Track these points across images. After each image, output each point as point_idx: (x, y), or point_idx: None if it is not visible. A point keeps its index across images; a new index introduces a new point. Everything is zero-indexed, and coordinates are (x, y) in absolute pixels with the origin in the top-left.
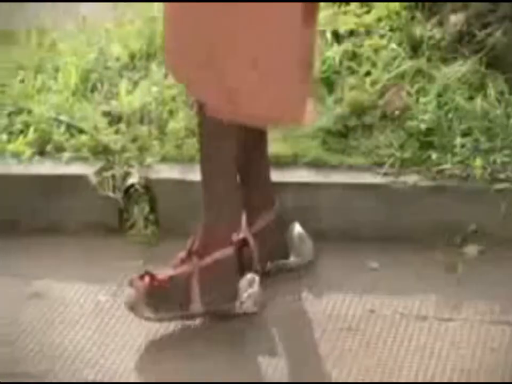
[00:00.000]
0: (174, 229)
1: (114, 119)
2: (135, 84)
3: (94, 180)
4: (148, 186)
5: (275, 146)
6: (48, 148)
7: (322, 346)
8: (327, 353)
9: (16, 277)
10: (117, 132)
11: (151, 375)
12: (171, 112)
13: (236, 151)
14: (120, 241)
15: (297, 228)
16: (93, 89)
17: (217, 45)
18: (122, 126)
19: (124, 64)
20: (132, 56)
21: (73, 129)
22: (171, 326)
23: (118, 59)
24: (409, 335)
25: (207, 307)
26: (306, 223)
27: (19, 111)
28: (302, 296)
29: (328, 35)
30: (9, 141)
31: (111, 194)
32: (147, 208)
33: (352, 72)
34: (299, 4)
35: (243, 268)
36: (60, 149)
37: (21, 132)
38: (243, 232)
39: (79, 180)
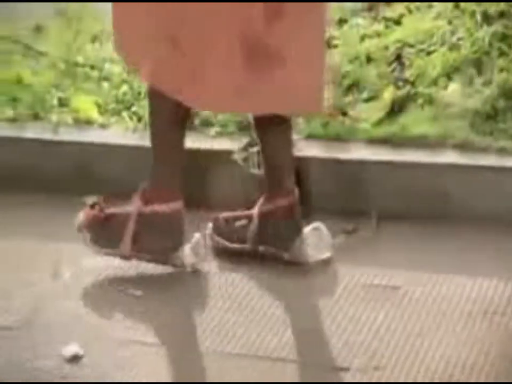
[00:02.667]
0: (317, 207)
1: None
2: None
3: (239, 155)
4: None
5: (423, 126)
6: (196, 121)
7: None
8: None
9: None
10: None
11: None
12: None
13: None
14: None
15: (316, 227)
16: None
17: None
18: None
19: None
20: None
21: None
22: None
23: None
24: None
25: (136, 252)
26: (453, 205)
27: None
28: None
29: (478, 16)
30: None
31: (255, 170)
32: None
33: (502, 53)
34: None
35: (241, 239)
36: (207, 123)
37: None
38: (254, 208)
39: (224, 154)
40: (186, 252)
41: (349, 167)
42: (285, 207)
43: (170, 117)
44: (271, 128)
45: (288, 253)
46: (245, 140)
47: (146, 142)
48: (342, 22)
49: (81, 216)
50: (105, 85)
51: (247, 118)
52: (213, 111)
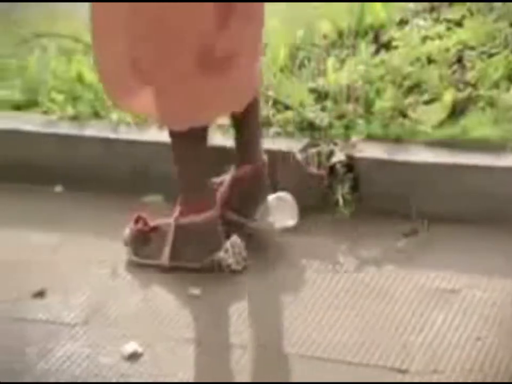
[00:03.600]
0: (375, 209)
1: (320, 96)
2: (342, 61)
3: (299, 156)
4: (352, 164)
5: (484, 129)
6: None
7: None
8: None
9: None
10: (323, 109)
11: None
12: (378, 91)
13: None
14: (322, 218)
15: (281, 195)
16: (300, 66)
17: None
18: (328, 103)
19: (332, 42)
20: (340, 34)
21: (280, 105)
22: None
23: (325, 36)
24: None
25: (175, 262)
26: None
27: None
28: None
29: None
30: None
31: (315, 171)
32: (350, 187)
33: None
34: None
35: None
36: (266, 123)
37: None
38: (226, 175)
39: (284, 155)
40: (221, 255)
41: (408, 169)
42: (253, 173)
43: (190, 138)
44: (247, 112)
45: (251, 220)
46: (304, 140)
47: None
48: (403, 23)
49: (127, 231)
50: None
51: (308, 118)
52: (180, 128)
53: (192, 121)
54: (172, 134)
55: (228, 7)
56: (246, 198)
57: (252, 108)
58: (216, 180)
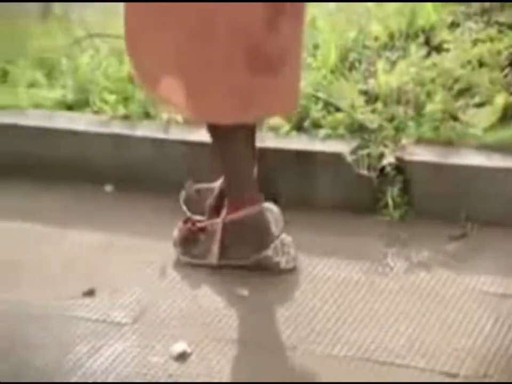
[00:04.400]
0: (425, 212)
1: (371, 98)
2: (393, 63)
3: (349, 158)
4: (402, 167)
5: None
6: (306, 123)
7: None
8: None
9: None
10: (373, 111)
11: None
12: (429, 94)
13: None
14: (372, 220)
15: (266, 205)
16: (351, 67)
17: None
18: (378, 105)
19: (383, 44)
20: (391, 36)
21: (330, 107)
22: None
23: (376, 38)
24: None
25: (224, 261)
26: None
27: None
28: None
29: None
30: None
31: (365, 173)
32: (400, 189)
33: None
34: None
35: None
36: (316, 125)
37: None
38: (216, 182)
39: (334, 157)
40: (269, 253)
41: (458, 171)
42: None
43: (237, 135)
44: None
45: None
46: (354, 142)
47: (257, 142)
48: (454, 25)
49: (176, 231)
50: None
51: (359, 120)
52: (224, 122)
53: (238, 117)
54: (216, 131)
55: (277, 6)
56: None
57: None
58: (204, 186)
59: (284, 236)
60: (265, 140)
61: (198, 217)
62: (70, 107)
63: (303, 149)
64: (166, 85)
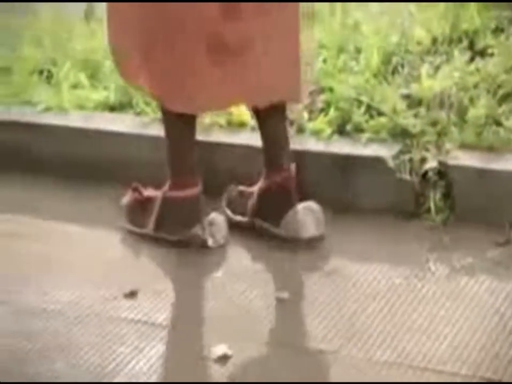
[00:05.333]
0: (468, 217)
1: (413, 102)
2: (436, 68)
3: (391, 162)
4: (445, 172)
5: None
6: (348, 127)
7: None
8: None
9: (313, 253)
10: (416, 115)
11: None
12: (472, 99)
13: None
14: (414, 225)
15: (307, 204)
16: (394, 71)
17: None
18: (421, 110)
19: (426, 48)
20: (434, 40)
21: (372, 111)
22: None
23: (420, 43)
24: None
25: (158, 233)
26: None
27: (321, 90)
28: None
29: None
30: (309, 119)
31: (408, 177)
32: (442, 194)
33: None
34: None
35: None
36: (358, 129)
37: (322, 110)
38: (257, 185)
39: (376, 161)
40: (197, 231)
41: (501, 177)
42: (279, 182)
43: (182, 122)
44: (269, 114)
45: (279, 228)
46: (397, 147)
47: (299, 146)
48: (498, 30)
49: (125, 198)
50: None
51: (401, 125)
52: (203, 112)
53: (195, 106)
54: (167, 112)
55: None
56: (273, 206)
57: (276, 111)
58: (247, 189)
59: (213, 214)
60: (307, 144)
61: (239, 218)
62: (112, 108)
63: (345, 153)
64: (140, 75)
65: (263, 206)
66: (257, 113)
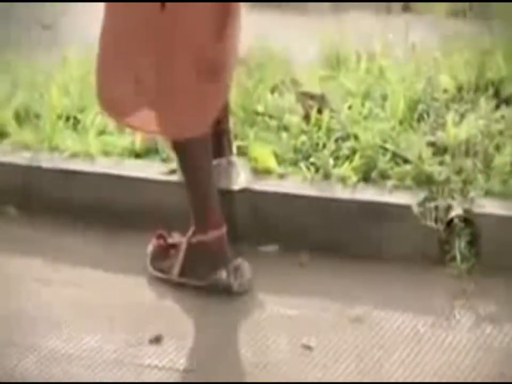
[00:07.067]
0: (493, 266)
1: (439, 150)
2: (462, 116)
3: (417, 209)
4: (471, 220)
5: None
6: (373, 174)
7: None
8: None
9: (338, 301)
10: (441, 163)
11: None
12: (497, 147)
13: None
14: (439, 273)
15: (230, 159)
16: (419, 119)
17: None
18: (447, 157)
19: (452, 96)
20: (460, 88)
21: (398, 158)
22: None
23: (445, 90)
24: None
25: (183, 279)
26: None
27: (346, 137)
28: None
29: None
30: (335, 165)
31: (433, 225)
32: (467, 242)
33: None
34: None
35: None
36: (384, 176)
37: (347, 157)
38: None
39: (402, 208)
40: (223, 275)
41: None
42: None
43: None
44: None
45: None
46: (422, 194)
47: (324, 193)
48: None
49: (149, 246)
50: (284, 134)
51: (427, 172)
52: (188, 135)
53: (197, 127)
54: (178, 146)
55: (224, 19)
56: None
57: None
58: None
59: (239, 260)
60: (333, 191)
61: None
62: (138, 155)
63: (370, 200)
64: (137, 113)
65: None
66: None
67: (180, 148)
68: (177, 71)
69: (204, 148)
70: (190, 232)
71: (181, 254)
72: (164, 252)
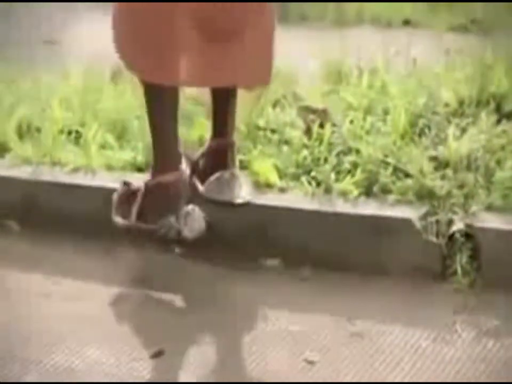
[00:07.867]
0: (494, 280)
1: (440, 164)
2: (463, 130)
3: (418, 224)
4: (472, 234)
5: None
6: (375, 188)
7: None
8: None
9: (339, 315)
10: (443, 177)
11: None
12: (499, 161)
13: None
14: (441, 287)
15: (233, 172)
16: (421, 133)
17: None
18: (448, 171)
19: (453, 110)
20: (461, 102)
21: (399, 172)
22: None
23: (447, 104)
24: None
25: (139, 223)
26: None
27: (348, 151)
28: None
29: None
30: (336, 180)
31: (434, 239)
32: (469, 256)
33: None
34: None
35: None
36: (385, 190)
37: (349, 171)
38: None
39: (403, 223)
40: (172, 221)
41: None
42: (214, 147)
43: (165, 103)
44: (226, 96)
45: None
46: (423, 208)
47: (325, 207)
48: None
49: (115, 194)
50: (285, 149)
51: (428, 187)
52: (184, 86)
53: (177, 78)
54: (149, 87)
55: None
56: (207, 168)
57: (232, 95)
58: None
59: (192, 206)
60: (334, 205)
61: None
62: (140, 169)
63: (371, 214)
64: (131, 50)
65: (201, 168)
66: (216, 93)
67: (151, 91)
68: (175, 19)
69: (173, 96)
70: (147, 176)
71: (139, 198)
72: (127, 199)
